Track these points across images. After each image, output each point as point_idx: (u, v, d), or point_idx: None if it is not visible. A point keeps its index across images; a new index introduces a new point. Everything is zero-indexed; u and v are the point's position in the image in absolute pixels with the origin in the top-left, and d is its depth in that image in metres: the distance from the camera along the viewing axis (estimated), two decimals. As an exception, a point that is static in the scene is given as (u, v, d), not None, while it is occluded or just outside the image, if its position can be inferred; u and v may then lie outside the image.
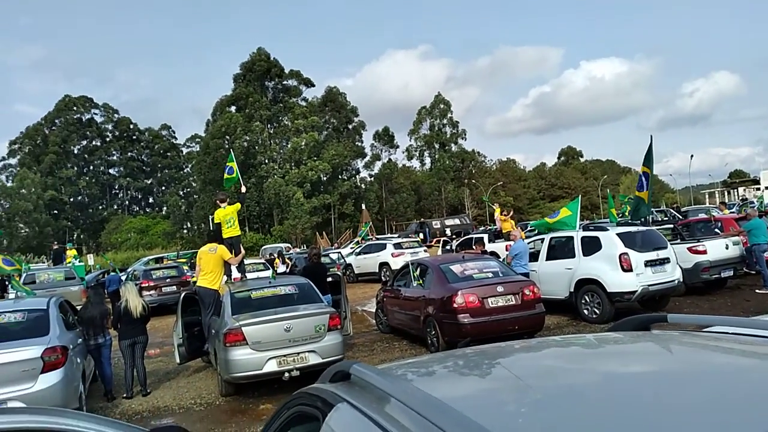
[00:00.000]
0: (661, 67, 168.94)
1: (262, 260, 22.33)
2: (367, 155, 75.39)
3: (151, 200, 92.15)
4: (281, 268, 19.28)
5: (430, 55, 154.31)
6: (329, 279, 10.87)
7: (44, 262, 37.72)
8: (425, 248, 24.22)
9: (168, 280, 18.64)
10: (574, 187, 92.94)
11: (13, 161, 79.05)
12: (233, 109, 66.09)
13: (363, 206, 58.92)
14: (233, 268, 10.23)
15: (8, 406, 5.21)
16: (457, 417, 1.01)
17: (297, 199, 59.76)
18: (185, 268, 20.91)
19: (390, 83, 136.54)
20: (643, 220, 14.08)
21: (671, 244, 11.81)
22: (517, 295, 8.93)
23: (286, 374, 7.66)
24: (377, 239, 29.53)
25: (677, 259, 11.36)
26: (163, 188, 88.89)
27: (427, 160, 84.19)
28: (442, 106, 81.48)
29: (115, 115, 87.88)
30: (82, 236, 79.27)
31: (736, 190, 68.70)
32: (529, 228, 20.88)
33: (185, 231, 71.87)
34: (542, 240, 12.50)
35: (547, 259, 11.89)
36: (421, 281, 9.93)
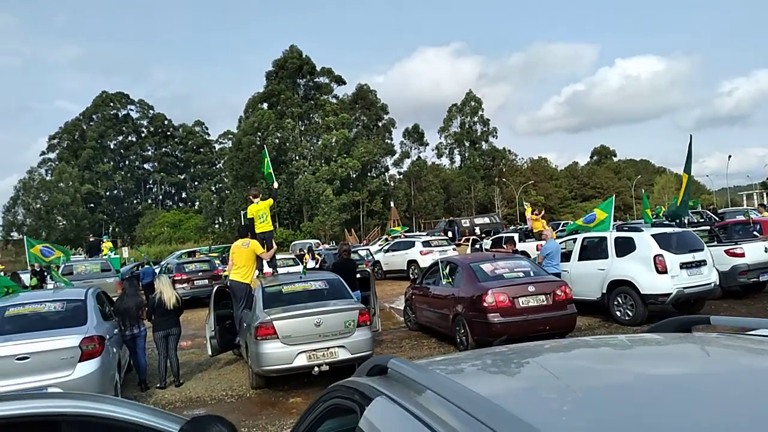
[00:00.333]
0: (700, 65, 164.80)
1: (292, 256, 22.54)
2: (396, 153, 75.43)
3: (183, 195, 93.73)
4: (311, 264, 19.42)
5: (463, 53, 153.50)
6: (358, 275, 10.92)
7: (80, 254, 38.73)
8: (454, 247, 24.09)
9: (200, 273, 18.98)
10: (607, 187, 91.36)
11: (52, 156, 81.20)
12: (265, 106, 66.74)
13: (392, 204, 59.07)
14: (264, 263, 10.35)
15: (50, 392, 5.37)
16: (502, 413, 1.00)
17: (326, 195, 60.11)
18: (217, 262, 21.23)
19: (421, 81, 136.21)
20: (678, 221, 13.80)
21: (708, 246, 11.53)
22: (548, 295, 8.83)
23: (316, 369, 7.72)
24: (405, 237, 29.54)
25: (714, 262, 11.08)
26: (196, 183, 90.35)
27: (457, 158, 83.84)
28: (473, 103, 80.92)
29: (151, 111, 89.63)
30: (117, 229, 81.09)
31: (775, 191, 66.58)
32: (559, 228, 20.64)
33: (217, 226, 72.88)
34: (574, 240, 12.34)
35: (580, 259, 11.73)
36: (450, 279, 9.89)
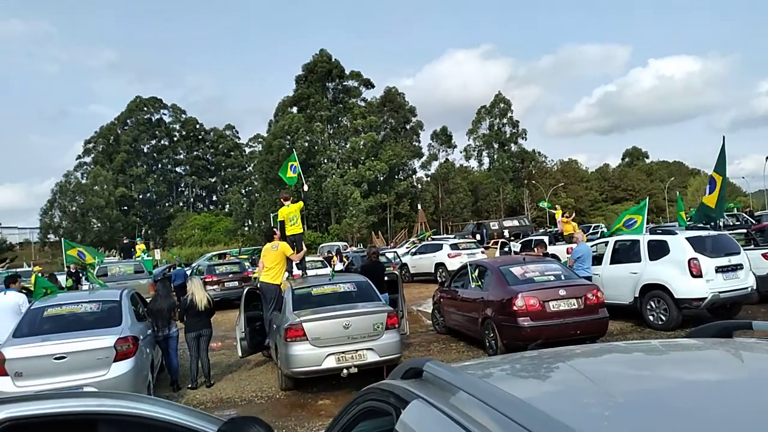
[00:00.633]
0: (737, 65, 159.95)
1: (321, 258, 22.67)
2: (424, 155, 75.23)
3: (214, 198, 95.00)
4: (339, 266, 19.51)
5: (492, 55, 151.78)
6: (386, 278, 10.92)
7: (114, 256, 39.59)
8: (482, 250, 23.92)
9: (230, 275, 19.22)
10: (639, 189, 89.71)
11: (87, 159, 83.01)
12: (295, 109, 67.34)
13: (419, 206, 58.95)
14: (294, 265, 10.43)
15: (88, 391, 5.50)
16: (545, 418, 0.99)
17: (354, 198, 60.32)
18: (246, 264, 21.48)
19: (449, 83, 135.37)
20: (713, 224, 13.48)
21: (744, 249, 11.23)
22: (579, 299, 8.71)
23: (345, 371, 7.74)
24: (433, 239, 29.46)
25: (751, 266, 10.79)
26: (226, 186, 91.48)
27: (486, 160, 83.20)
28: (502, 105, 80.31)
29: (183, 116, 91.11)
30: (149, 232, 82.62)
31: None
32: (590, 231, 20.32)
33: (246, 228, 73.67)
34: (606, 243, 12.16)
35: (611, 262, 11.55)
36: (479, 283, 9.83)
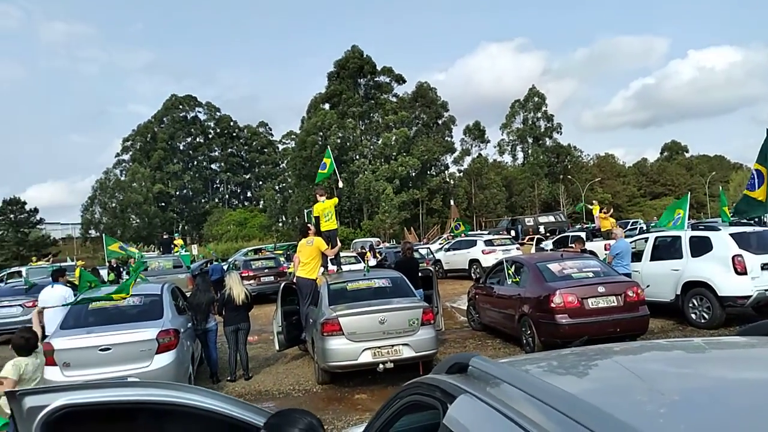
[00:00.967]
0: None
1: (354, 254, 22.78)
2: (456, 150, 74.67)
3: (249, 194, 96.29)
4: (372, 262, 19.58)
5: (526, 48, 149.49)
6: (420, 274, 10.91)
7: (153, 251, 40.53)
8: (518, 246, 23.65)
9: (266, 270, 19.48)
10: (678, 184, 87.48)
11: (126, 157, 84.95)
12: (327, 106, 67.67)
13: (452, 202, 58.58)
14: (328, 261, 10.51)
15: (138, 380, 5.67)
16: (600, 414, 0.98)
17: (387, 194, 60.35)
18: (282, 259, 21.73)
19: (482, 77, 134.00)
20: (756, 220, 13.04)
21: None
22: (619, 296, 8.56)
23: (381, 366, 7.78)
24: (467, 236, 29.28)
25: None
26: (260, 183, 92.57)
27: (520, 155, 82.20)
28: (536, 99, 79.18)
29: (217, 113, 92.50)
30: (186, 227, 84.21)
31: None
32: (628, 227, 19.90)
33: (280, 224, 74.46)
34: (646, 239, 11.91)
35: (652, 259, 11.31)
36: (516, 279, 9.74)
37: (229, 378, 9.04)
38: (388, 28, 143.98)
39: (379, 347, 7.84)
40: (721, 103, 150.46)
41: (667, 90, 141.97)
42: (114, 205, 72.96)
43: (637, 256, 11.50)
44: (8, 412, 3.17)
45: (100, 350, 7.16)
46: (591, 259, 10.04)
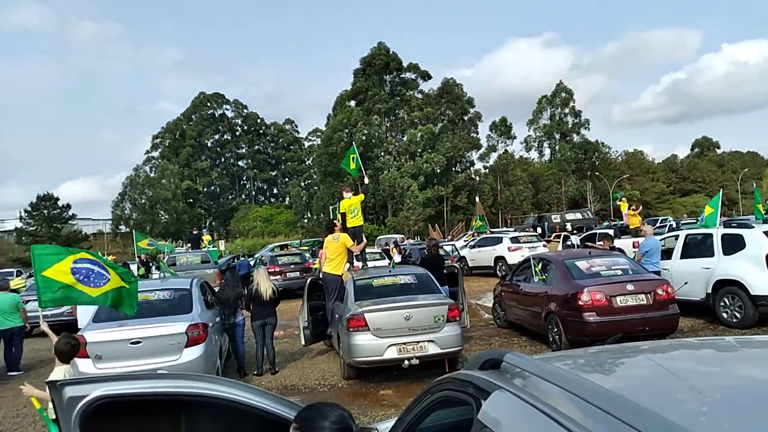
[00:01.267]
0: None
1: (379, 250, 22.82)
2: (482, 146, 74.17)
3: (275, 191, 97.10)
4: (397, 258, 19.59)
5: (555, 43, 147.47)
6: (446, 271, 10.88)
7: (182, 246, 41.17)
8: (544, 243, 23.42)
9: (292, 266, 19.67)
10: (709, 181, 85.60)
11: (155, 154, 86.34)
12: (353, 103, 67.80)
13: (477, 198, 58.27)
14: (354, 257, 10.54)
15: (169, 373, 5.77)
16: (642, 411, 0.97)
17: (412, 191, 60.27)
18: (307, 255, 21.89)
19: (510, 73, 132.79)
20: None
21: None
22: (648, 294, 8.42)
23: (406, 362, 7.78)
24: (492, 233, 29.09)
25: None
26: (286, 180, 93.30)
27: (547, 152, 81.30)
28: (563, 94, 78.19)
29: (244, 111, 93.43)
30: (213, 223, 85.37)
31: None
32: (658, 224, 19.54)
33: (306, 221, 74.98)
34: (676, 237, 11.69)
35: (682, 257, 11.09)
36: (543, 277, 9.65)
37: (255, 372, 9.15)
38: (416, 24, 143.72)
39: (404, 343, 7.84)
40: (754, 98, 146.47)
41: (698, 85, 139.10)
42: (143, 201, 74.24)
43: (666, 254, 11.30)
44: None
45: (131, 343, 7.30)
46: (620, 257, 9.90)
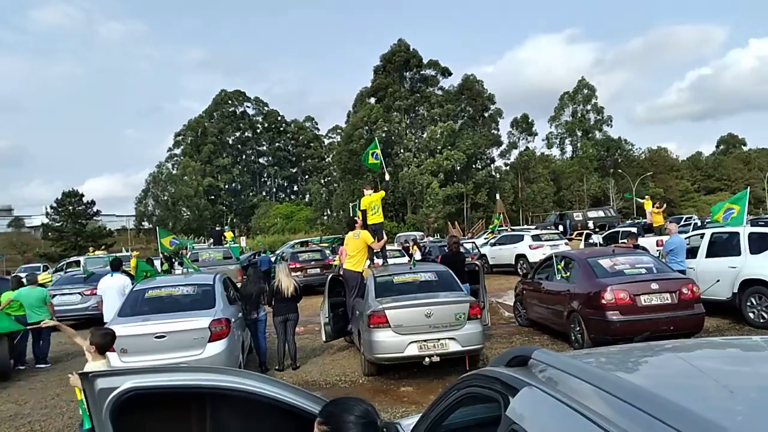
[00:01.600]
0: None
1: (399, 248, 22.80)
2: (503, 143, 73.68)
3: (295, 188, 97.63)
4: (417, 255, 19.56)
5: (577, 39, 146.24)
6: (467, 269, 10.84)
7: (204, 242, 41.64)
8: (566, 241, 23.20)
9: (312, 262, 19.78)
10: (735, 178, 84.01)
11: (177, 151, 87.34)
12: (373, 100, 67.81)
13: (497, 196, 57.89)
14: (374, 254, 10.55)
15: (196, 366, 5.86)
16: (678, 409, 0.96)
17: (432, 188, 60.11)
18: (327, 252, 21.98)
19: (531, 69, 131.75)
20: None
21: None
22: (673, 293, 8.30)
23: (427, 359, 7.77)
24: (512, 230, 28.92)
25: None
26: (306, 177, 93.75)
27: (568, 149, 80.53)
28: (586, 91, 77.39)
29: (265, 108, 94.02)
30: (234, 220, 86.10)
31: None
32: (682, 222, 19.24)
33: (325, 218, 75.28)
34: (701, 235, 11.50)
35: (708, 256, 10.93)
36: (566, 275, 9.57)
37: (277, 367, 9.22)
38: (436, 21, 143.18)
39: (425, 340, 7.84)
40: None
41: (725, 81, 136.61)
42: (166, 197, 75.23)
43: (692, 253, 11.14)
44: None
45: (156, 337, 7.40)
46: (644, 255, 9.76)
